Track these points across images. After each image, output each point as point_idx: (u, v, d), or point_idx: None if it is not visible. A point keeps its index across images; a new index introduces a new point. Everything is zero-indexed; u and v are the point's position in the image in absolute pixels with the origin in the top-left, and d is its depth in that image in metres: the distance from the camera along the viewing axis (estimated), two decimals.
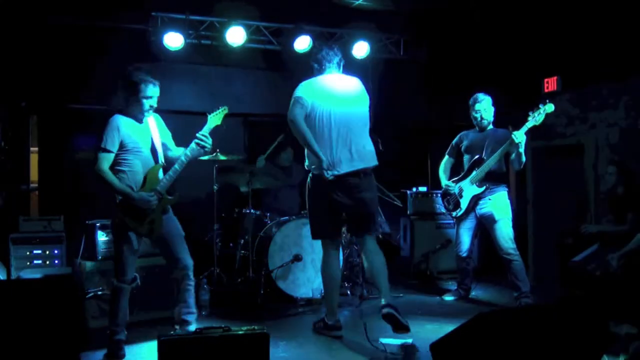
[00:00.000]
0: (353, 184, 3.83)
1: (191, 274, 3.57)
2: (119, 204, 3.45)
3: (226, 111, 3.66)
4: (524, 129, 4.49)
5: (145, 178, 3.47)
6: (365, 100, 4.03)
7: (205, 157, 4.44)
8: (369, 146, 3.95)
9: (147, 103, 3.45)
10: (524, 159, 4.61)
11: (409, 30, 6.74)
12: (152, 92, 3.46)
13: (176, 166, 3.51)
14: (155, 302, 4.09)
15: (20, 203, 5.75)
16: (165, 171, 3.56)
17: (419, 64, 6.89)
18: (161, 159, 3.60)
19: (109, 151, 3.38)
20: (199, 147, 3.49)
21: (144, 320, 4.06)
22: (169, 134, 3.72)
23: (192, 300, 3.59)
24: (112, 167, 3.42)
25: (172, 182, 3.53)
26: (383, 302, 3.77)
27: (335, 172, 3.77)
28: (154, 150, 3.57)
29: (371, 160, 3.93)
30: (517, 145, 4.50)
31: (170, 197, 3.54)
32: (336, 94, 3.92)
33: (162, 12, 5.83)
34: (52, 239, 5.19)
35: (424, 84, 7.07)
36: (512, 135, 4.47)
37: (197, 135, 3.51)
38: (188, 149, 3.53)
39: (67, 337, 2.97)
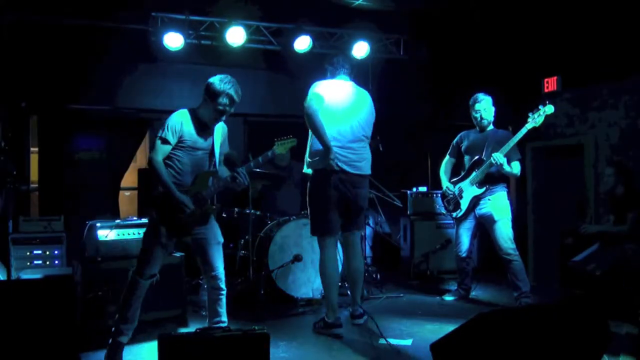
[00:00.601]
0: (354, 180, 4.05)
1: (223, 284, 3.53)
2: (157, 196, 3.37)
3: (294, 143, 3.67)
4: (515, 139, 4.55)
5: (195, 180, 3.42)
6: (372, 114, 4.21)
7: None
8: (367, 156, 4.17)
9: (220, 114, 3.42)
10: (515, 172, 4.70)
11: (409, 30, 6.75)
12: (229, 106, 3.42)
13: (221, 183, 3.47)
14: (155, 302, 4.07)
15: (20, 203, 5.75)
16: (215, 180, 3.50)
17: (419, 64, 6.89)
18: (217, 166, 3.53)
19: (168, 142, 3.33)
20: (234, 181, 3.43)
21: (144, 320, 4.05)
22: (225, 149, 3.62)
23: (222, 309, 3.54)
24: (164, 160, 3.36)
25: (218, 192, 3.49)
26: (357, 310, 4.15)
27: (340, 164, 3.95)
28: (212, 155, 3.51)
29: (368, 169, 4.16)
30: (499, 167, 4.57)
31: (213, 206, 3.52)
32: (346, 102, 4.08)
33: (162, 12, 5.83)
34: (52, 239, 5.19)
35: (424, 84, 7.07)
36: (491, 158, 4.56)
37: (237, 170, 3.43)
38: (228, 177, 3.45)
39: (67, 337, 2.97)
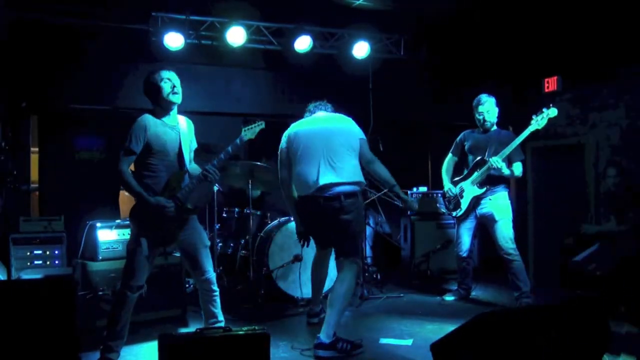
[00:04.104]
0: (316, 210, 3.83)
1: (215, 286, 3.50)
2: (135, 207, 3.35)
3: (262, 126, 3.57)
4: (517, 141, 4.56)
5: (166, 183, 3.35)
6: (348, 133, 3.94)
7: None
8: (331, 177, 3.77)
9: (171, 97, 3.38)
10: (517, 174, 4.73)
11: (409, 30, 6.74)
12: (173, 81, 3.38)
13: (194, 180, 3.40)
14: (155, 302, 4.08)
15: (20, 203, 5.75)
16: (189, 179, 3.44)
17: (419, 64, 6.89)
18: (187, 165, 3.47)
19: (133, 152, 3.26)
20: (204, 179, 3.38)
21: (144, 320, 4.06)
22: (194, 146, 3.60)
23: (217, 309, 3.53)
24: (137, 169, 3.30)
25: (192, 192, 3.40)
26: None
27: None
28: (180, 155, 3.44)
29: (336, 186, 3.75)
30: (497, 170, 4.59)
31: (190, 208, 3.42)
32: (317, 128, 4.00)
33: (162, 12, 5.82)
34: (52, 239, 5.19)
35: (424, 84, 7.07)
36: (489, 162, 4.58)
37: (206, 167, 3.39)
38: (200, 174, 3.40)
39: (67, 337, 2.97)
